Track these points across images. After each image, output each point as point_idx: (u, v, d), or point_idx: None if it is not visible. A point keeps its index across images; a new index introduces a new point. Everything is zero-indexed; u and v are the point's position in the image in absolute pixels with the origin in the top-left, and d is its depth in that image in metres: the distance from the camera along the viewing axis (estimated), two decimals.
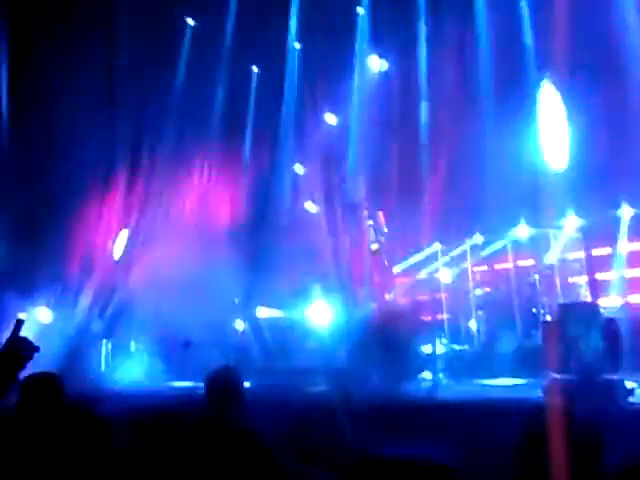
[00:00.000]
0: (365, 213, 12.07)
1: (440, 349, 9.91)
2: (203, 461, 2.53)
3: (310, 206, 13.91)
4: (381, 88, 13.17)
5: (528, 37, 11.25)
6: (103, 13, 12.21)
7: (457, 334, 11.27)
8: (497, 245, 11.80)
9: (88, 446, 2.96)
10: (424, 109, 12.46)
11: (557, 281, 10.86)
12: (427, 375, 8.93)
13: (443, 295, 11.93)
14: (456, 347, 10.69)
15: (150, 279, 11.78)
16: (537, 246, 11.36)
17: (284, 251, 12.64)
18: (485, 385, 8.49)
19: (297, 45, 13.63)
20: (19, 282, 11.13)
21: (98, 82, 12.18)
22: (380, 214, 11.78)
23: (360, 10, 13.27)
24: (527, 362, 8.69)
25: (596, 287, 10.67)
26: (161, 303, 11.01)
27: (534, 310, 10.46)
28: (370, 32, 13.07)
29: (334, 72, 12.97)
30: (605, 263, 10.73)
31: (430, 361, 8.96)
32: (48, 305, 11.68)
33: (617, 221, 10.67)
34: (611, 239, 10.66)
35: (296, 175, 14.13)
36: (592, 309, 8.48)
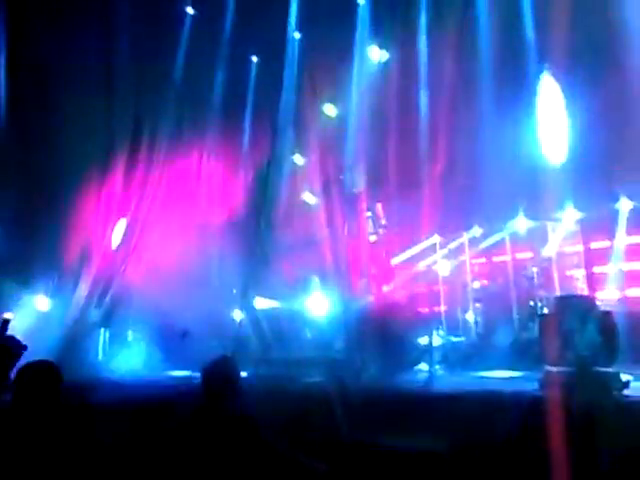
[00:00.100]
0: (364, 205, 12.06)
1: (437, 341, 9.94)
2: (199, 447, 2.54)
3: (309, 197, 13.90)
4: (381, 79, 13.13)
5: (528, 29, 11.20)
6: (102, 1, 12.17)
7: (454, 326, 11.31)
8: (495, 238, 11.81)
9: (81, 433, 2.97)
10: (423, 100, 12.43)
11: (555, 274, 10.88)
12: (424, 367, 8.95)
13: (441, 287, 11.96)
14: (453, 339, 10.71)
15: (148, 268, 11.80)
16: (535, 239, 11.37)
17: (282, 242, 12.66)
18: (481, 377, 8.52)
19: (297, 35, 13.58)
20: (17, 270, 11.14)
21: (97, 70, 12.13)
22: (379, 206, 11.79)
23: (360, 0, 13.23)
24: (524, 354, 8.73)
25: (593, 280, 10.69)
26: (159, 292, 11.02)
27: (532, 303, 10.48)
28: (370, 22, 13.01)
29: (334, 62, 12.92)
30: (603, 256, 10.74)
31: (427, 353, 8.98)
32: (46, 293, 11.68)
33: (615, 214, 10.67)
34: (609, 232, 10.67)
35: (295, 166, 14.11)
36: (588, 302, 8.49)
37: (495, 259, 12.07)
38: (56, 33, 11.22)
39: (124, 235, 12.82)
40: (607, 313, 7.88)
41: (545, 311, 9.91)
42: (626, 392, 6.09)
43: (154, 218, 12.72)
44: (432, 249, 12.22)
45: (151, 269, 11.76)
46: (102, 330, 11.96)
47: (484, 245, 11.92)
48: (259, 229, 13.13)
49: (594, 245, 11.04)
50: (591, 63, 9.89)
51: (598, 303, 8.62)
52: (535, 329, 9.22)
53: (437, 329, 10.54)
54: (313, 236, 12.66)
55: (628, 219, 10.61)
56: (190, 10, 13.49)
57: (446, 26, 12.05)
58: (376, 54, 13.51)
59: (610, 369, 6.55)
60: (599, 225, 10.74)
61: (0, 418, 3.07)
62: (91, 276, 12.13)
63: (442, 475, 3.61)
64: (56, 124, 11.40)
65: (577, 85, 10.38)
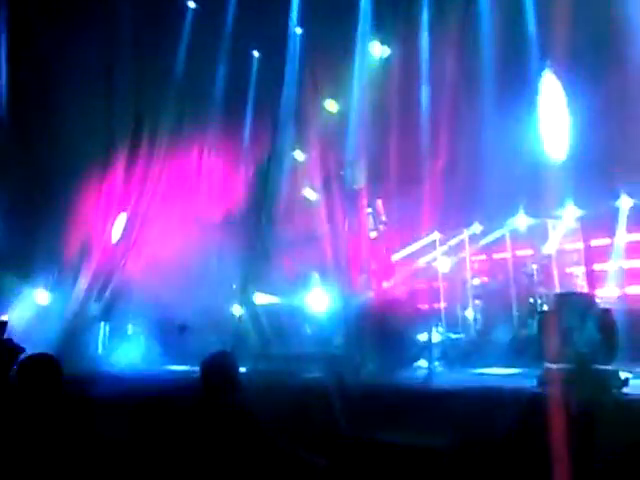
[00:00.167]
0: (364, 201, 12.05)
1: (436, 337, 9.94)
2: (198, 441, 2.54)
3: (309, 193, 13.89)
4: (382, 75, 13.11)
5: (530, 26, 11.18)
6: None
7: (454, 323, 11.31)
8: (495, 235, 11.80)
9: (81, 426, 2.98)
10: (425, 97, 12.42)
11: (555, 271, 10.88)
12: (423, 363, 8.95)
13: (441, 284, 11.95)
14: (452, 336, 10.71)
15: (148, 263, 11.81)
16: (535, 236, 11.37)
17: (282, 237, 12.66)
18: (481, 374, 8.52)
19: (298, 30, 13.55)
20: (17, 264, 11.15)
21: (98, 65, 12.12)
22: (379, 202, 11.77)
23: None
24: (523, 351, 8.72)
25: (593, 278, 10.69)
26: (159, 287, 11.02)
27: (531, 300, 10.48)
28: (372, 18, 12.98)
29: (335, 58, 12.90)
30: (603, 254, 10.74)
31: (426, 349, 8.98)
32: (46, 287, 11.70)
33: (616, 212, 10.66)
34: (610, 230, 10.66)
35: (296, 161, 14.10)
36: (588, 299, 8.49)
37: (495, 256, 12.06)
38: (57, 29, 11.21)
39: (124, 229, 12.83)
40: (607, 310, 7.87)
41: (545, 308, 9.91)
42: (625, 390, 6.09)
43: (154, 213, 12.73)
44: (432, 246, 12.21)
45: (151, 263, 11.77)
46: (102, 324, 11.98)
47: (484, 242, 11.90)
48: (259, 224, 13.13)
49: (594, 243, 11.04)
50: (593, 61, 9.88)
51: (598, 300, 8.62)
52: (534, 326, 9.22)
53: (436, 326, 10.53)
54: (313, 232, 12.66)
55: (628, 217, 10.60)
56: (191, 4, 13.46)
57: (448, 22, 12.03)
58: (378, 50, 13.48)
59: (609, 367, 6.55)
60: (599, 223, 10.74)
61: (1, 411, 3.08)
62: (91, 270, 12.14)
63: (441, 471, 3.62)
64: (57, 118, 11.40)
65: (579, 83, 10.37)
